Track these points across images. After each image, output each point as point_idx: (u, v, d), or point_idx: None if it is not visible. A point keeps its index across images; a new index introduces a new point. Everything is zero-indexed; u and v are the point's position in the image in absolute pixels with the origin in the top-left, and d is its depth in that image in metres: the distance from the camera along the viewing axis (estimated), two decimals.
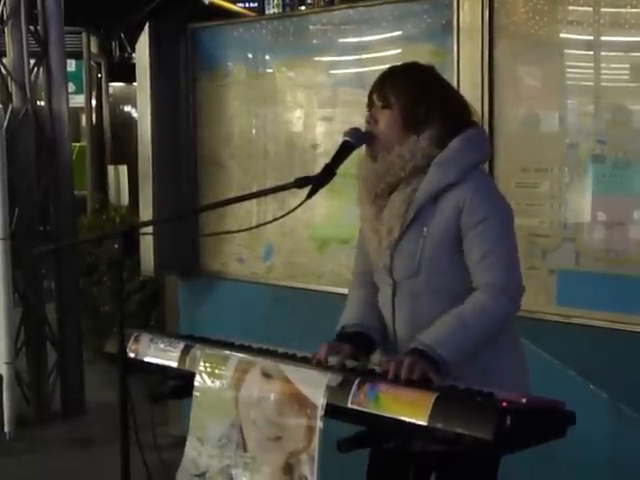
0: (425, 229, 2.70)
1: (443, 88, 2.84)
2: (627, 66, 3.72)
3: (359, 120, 2.88)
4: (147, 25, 5.38)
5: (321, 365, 2.64)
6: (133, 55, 12.38)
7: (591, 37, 3.77)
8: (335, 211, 4.71)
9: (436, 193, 2.69)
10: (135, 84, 5.63)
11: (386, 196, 2.77)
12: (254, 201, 4.98)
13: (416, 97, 2.75)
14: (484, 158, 2.88)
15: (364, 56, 4.61)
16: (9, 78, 6.46)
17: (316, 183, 2.67)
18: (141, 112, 5.48)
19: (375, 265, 2.86)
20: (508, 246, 2.70)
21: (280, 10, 11.79)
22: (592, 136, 3.76)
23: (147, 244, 5.34)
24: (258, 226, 3.15)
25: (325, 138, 4.83)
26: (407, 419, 2.25)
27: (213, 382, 2.66)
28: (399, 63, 2.91)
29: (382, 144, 2.76)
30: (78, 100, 14.17)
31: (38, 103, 6.64)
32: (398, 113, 2.74)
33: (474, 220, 2.65)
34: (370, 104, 2.81)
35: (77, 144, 13.70)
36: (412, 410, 2.25)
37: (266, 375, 2.55)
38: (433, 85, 2.80)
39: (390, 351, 2.84)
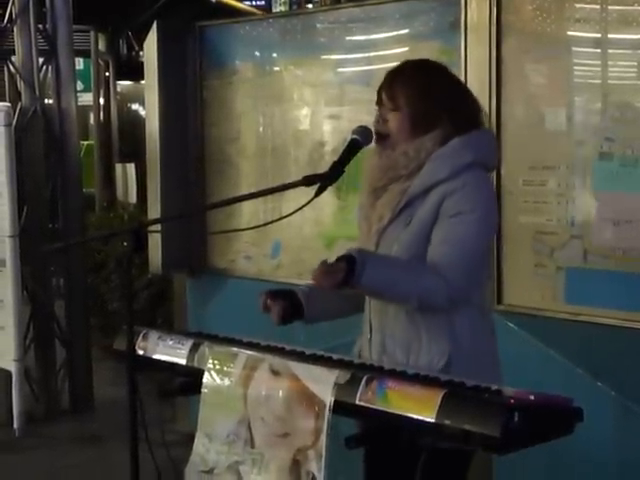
0: (409, 220, 2.71)
1: (454, 89, 2.83)
2: (634, 63, 3.72)
3: (366, 118, 2.89)
4: (155, 23, 5.39)
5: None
6: (141, 53, 12.43)
7: (598, 34, 3.77)
8: (343, 208, 4.71)
9: (428, 187, 2.70)
10: (143, 82, 5.64)
11: (386, 188, 2.80)
12: (262, 199, 4.98)
13: (425, 101, 2.74)
14: (483, 160, 2.77)
15: (371, 54, 4.62)
16: (18, 77, 6.48)
17: (324, 181, 2.68)
18: (149, 110, 5.49)
19: None
20: (472, 248, 2.67)
21: (287, 8, 11.77)
22: (600, 133, 3.75)
23: (155, 242, 5.35)
24: (266, 224, 3.14)
25: (333, 136, 4.83)
26: (415, 416, 2.26)
27: (222, 379, 2.67)
28: (410, 59, 2.90)
29: (392, 142, 2.78)
30: (86, 98, 14.18)
31: (47, 101, 6.65)
32: (407, 116, 2.75)
33: (452, 211, 2.65)
34: (379, 101, 2.82)
35: (85, 142, 13.71)
36: (420, 407, 2.26)
37: (274, 372, 2.56)
38: (444, 86, 2.79)
39: (364, 340, 2.87)
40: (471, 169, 2.70)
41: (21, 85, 6.47)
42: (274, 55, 5.17)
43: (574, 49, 3.87)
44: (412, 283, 2.64)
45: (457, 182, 2.66)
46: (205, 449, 2.72)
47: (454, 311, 2.71)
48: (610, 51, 3.78)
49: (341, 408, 2.40)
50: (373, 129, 2.80)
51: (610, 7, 3.71)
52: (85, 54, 14.09)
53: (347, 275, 2.55)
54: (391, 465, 2.79)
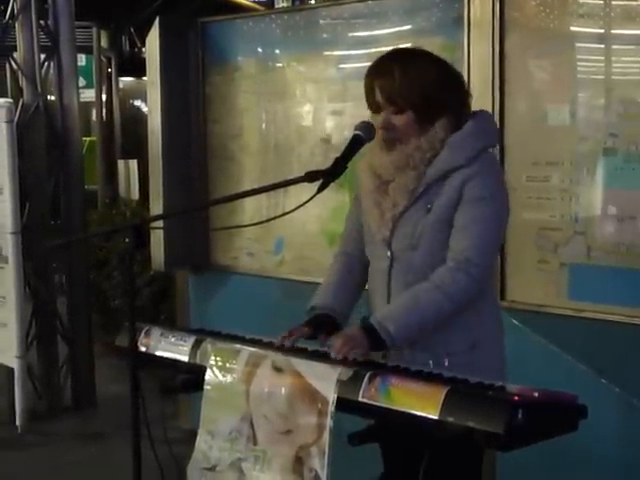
0: (430, 205, 2.74)
1: (442, 71, 2.83)
2: (638, 59, 3.70)
3: (369, 114, 2.88)
4: (157, 19, 5.38)
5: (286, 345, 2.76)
6: (143, 50, 12.42)
7: (602, 30, 3.75)
8: (345, 205, 4.70)
9: (445, 173, 2.73)
10: (145, 78, 5.63)
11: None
12: (264, 195, 4.97)
13: (425, 95, 2.75)
14: (492, 142, 2.91)
15: (374, 50, 4.59)
16: (20, 73, 6.47)
17: (327, 177, 2.68)
18: (151, 106, 5.48)
19: (372, 237, 2.89)
20: (492, 232, 2.74)
21: (290, 4, 11.77)
22: (603, 129, 3.74)
23: (157, 238, 5.35)
24: (268, 220, 3.14)
25: (335, 132, 4.82)
26: (418, 413, 2.25)
27: (224, 376, 2.67)
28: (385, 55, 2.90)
29: (401, 138, 2.79)
30: (88, 94, 14.16)
31: (49, 97, 6.64)
32: (413, 115, 2.76)
33: (472, 196, 2.70)
34: (374, 107, 2.81)
35: (87, 138, 13.69)
36: (423, 404, 2.25)
37: (277, 369, 2.55)
38: (436, 74, 2.79)
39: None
40: (484, 153, 2.77)
41: (23, 81, 6.46)
42: (276, 51, 5.16)
43: (577, 45, 3.86)
44: (439, 299, 2.68)
45: (474, 167, 2.71)
46: (207, 446, 2.71)
47: (480, 299, 2.76)
48: (614, 47, 3.76)
49: (344, 405, 2.40)
50: (380, 135, 2.80)
51: (614, 2, 3.69)
52: (87, 50, 14.07)
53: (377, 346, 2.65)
54: (408, 458, 2.78)
